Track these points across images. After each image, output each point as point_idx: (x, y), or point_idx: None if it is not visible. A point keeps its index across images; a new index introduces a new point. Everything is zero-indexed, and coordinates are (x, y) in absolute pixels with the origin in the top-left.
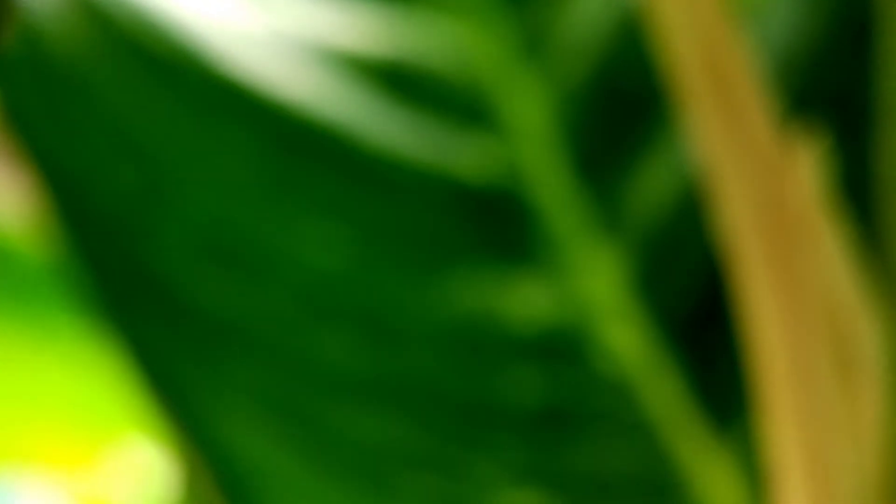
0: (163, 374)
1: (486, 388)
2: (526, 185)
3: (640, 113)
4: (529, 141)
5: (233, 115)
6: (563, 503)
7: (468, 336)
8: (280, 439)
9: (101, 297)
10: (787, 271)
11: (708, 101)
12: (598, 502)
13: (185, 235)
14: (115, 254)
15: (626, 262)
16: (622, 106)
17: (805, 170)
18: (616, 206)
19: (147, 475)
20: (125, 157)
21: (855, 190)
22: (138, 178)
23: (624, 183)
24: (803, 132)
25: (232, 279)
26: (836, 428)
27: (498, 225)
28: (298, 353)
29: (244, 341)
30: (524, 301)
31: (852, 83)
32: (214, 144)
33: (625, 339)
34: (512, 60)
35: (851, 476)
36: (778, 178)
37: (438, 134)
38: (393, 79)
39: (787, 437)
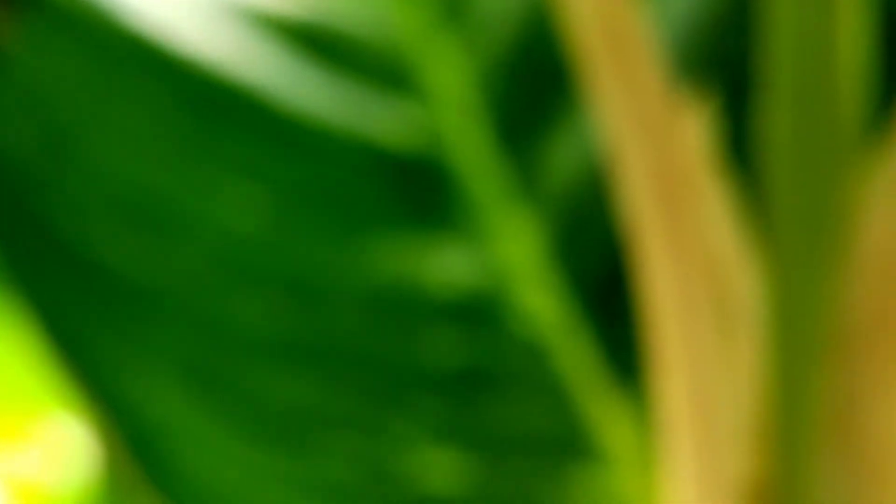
0: (71, 336)
1: (405, 351)
2: (447, 152)
3: (559, 82)
4: (451, 107)
5: (146, 74)
6: (479, 460)
7: (389, 299)
8: (195, 402)
9: (7, 259)
10: (674, 227)
11: (605, 67)
12: (511, 458)
13: (93, 195)
14: (21, 215)
15: (543, 228)
16: (541, 75)
17: (693, 131)
18: (534, 173)
19: (71, 452)
20: (31, 114)
21: (740, 149)
22: (45, 136)
23: (542, 150)
24: (694, 96)
25: (144, 241)
26: (717, 374)
27: (419, 190)
28: (215, 316)
29: (157, 304)
30: (445, 265)
31: (742, 50)
32: (127, 103)
33: (540, 302)
34: (433, 27)
35: (731, 418)
36: (668, 139)
37: (359, 98)
38: (314, 42)
39: (674, 385)
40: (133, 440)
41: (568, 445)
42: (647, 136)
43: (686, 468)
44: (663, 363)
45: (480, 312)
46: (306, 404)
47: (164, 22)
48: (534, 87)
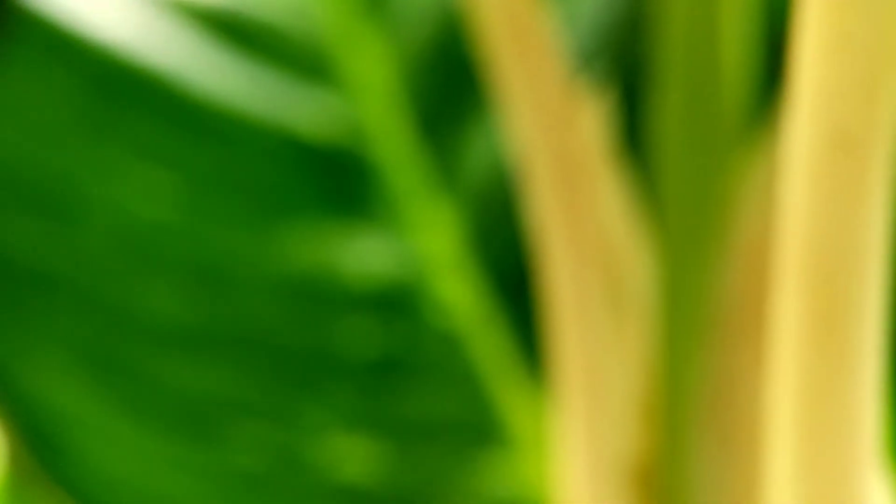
0: None
1: (319, 339)
2: (366, 142)
3: (479, 76)
4: (371, 98)
5: (53, 56)
6: (392, 448)
7: (304, 288)
8: (98, 393)
9: None
10: (571, 214)
11: (509, 61)
12: (424, 446)
13: None
14: None
15: (461, 220)
16: (461, 69)
17: (591, 123)
18: (453, 165)
19: None
20: None
21: (634, 141)
22: None
23: (461, 143)
24: (591, 90)
25: (46, 226)
26: (608, 356)
27: (338, 180)
28: (118, 304)
29: (57, 291)
30: (363, 256)
31: (637, 48)
32: (31, 85)
33: (457, 293)
34: (354, 17)
35: (620, 398)
36: (567, 130)
37: (278, 87)
38: (233, 30)
39: (569, 367)
40: (31, 432)
41: (480, 433)
42: (548, 128)
43: (578, 447)
44: (560, 346)
45: (397, 303)
46: (215, 393)
47: (75, 6)
48: (454, 80)
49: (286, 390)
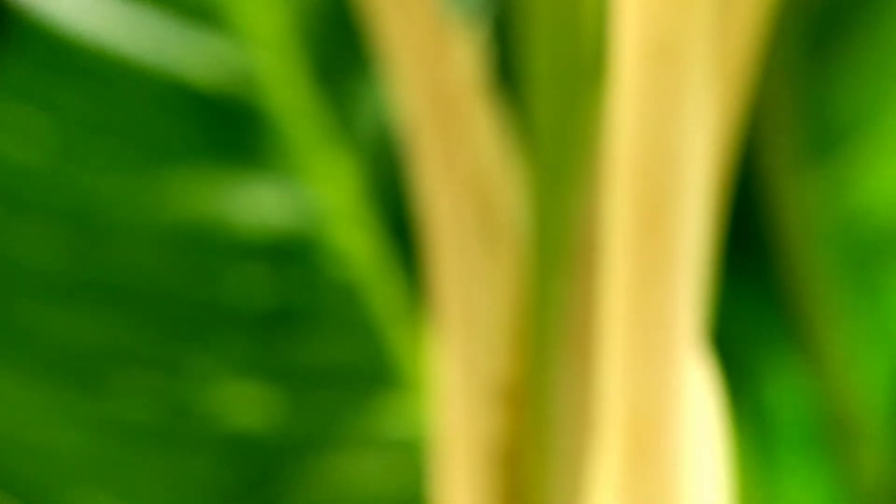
0: None
1: (209, 289)
2: (260, 91)
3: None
4: (264, 47)
5: None
6: (285, 395)
7: (193, 237)
8: None
9: None
10: (446, 148)
11: (385, 2)
12: (319, 393)
13: None
14: None
15: (357, 170)
16: (354, 18)
17: (464, 58)
18: (349, 115)
19: None
20: None
21: (507, 76)
22: None
23: (357, 94)
24: (464, 25)
25: None
26: (481, 284)
27: (228, 128)
28: None
29: None
30: (256, 205)
31: None
32: None
33: (354, 243)
34: None
35: (491, 323)
36: (441, 67)
37: (163, 33)
38: None
39: (445, 295)
40: None
41: (376, 378)
42: (422, 63)
43: (454, 368)
44: (437, 276)
45: (293, 252)
46: (99, 344)
47: None
48: (348, 30)
49: (174, 340)
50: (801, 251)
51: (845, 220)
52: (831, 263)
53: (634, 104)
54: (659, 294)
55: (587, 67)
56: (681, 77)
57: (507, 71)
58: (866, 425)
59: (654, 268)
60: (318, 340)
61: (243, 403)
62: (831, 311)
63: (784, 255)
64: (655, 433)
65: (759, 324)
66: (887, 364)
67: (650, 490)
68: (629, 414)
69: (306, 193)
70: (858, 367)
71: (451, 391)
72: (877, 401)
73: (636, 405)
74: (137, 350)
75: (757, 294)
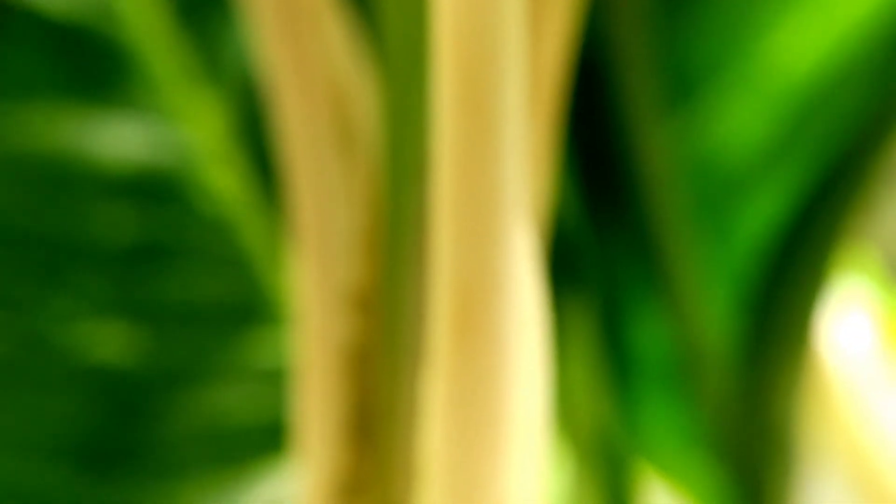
0: None
1: (70, 225)
2: (122, 26)
3: None
4: None
5: None
6: (150, 329)
7: (53, 173)
8: None
9: None
10: (299, 59)
11: None
12: (186, 328)
13: None
14: None
15: (226, 108)
16: None
17: None
18: (216, 53)
19: None
20: None
21: None
22: None
23: (224, 31)
24: None
25: None
26: (337, 193)
27: (87, 64)
28: None
29: None
30: (117, 141)
31: None
32: None
33: (224, 180)
34: None
35: (347, 232)
36: None
37: None
38: None
39: (301, 205)
40: None
41: (244, 311)
42: None
43: (310, 276)
44: (293, 186)
45: (159, 190)
46: None
47: None
48: None
49: (33, 277)
50: (658, 193)
51: (699, 162)
52: (686, 204)
53: None
54: (481, 173)
55: None
56: None
57: None
58: (715, 354)
59: (476, 149)
60: (185, 276)
61: (108, 340)
62: (685, 250)
63: (643, 198)
64: (479, 311)
65: (623, 265)
66: (733, 297)
67: (473, 367)
68: (454, 294)
69: (171, 130)
70: (709, 301)
71: (308, 300)
72: (723, 331)
73: (461, 284)
74: None
75: (621, 237)
